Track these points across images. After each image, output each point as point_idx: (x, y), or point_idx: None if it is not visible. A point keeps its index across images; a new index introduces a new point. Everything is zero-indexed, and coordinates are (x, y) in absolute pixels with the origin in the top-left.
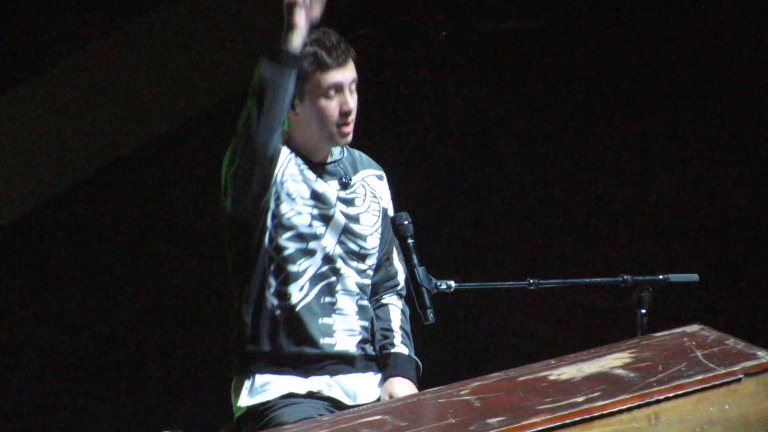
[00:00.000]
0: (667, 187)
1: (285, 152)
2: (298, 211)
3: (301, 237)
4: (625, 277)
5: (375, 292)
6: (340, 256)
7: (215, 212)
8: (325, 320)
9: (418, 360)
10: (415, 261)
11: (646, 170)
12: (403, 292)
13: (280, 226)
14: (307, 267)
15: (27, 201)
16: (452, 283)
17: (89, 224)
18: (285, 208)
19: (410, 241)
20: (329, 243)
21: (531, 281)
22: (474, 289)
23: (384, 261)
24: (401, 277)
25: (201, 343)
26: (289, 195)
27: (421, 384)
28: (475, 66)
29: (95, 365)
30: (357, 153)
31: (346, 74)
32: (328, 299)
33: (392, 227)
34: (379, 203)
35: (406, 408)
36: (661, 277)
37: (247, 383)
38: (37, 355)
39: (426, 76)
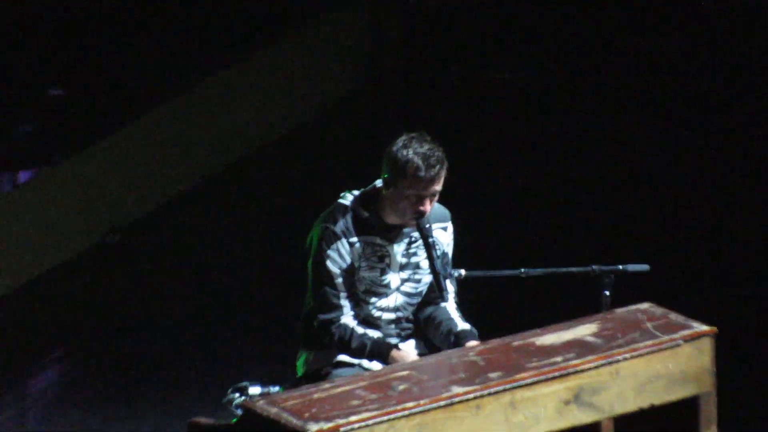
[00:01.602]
0: (629, 193)
1: (352, 250)
2: (370, 277)
3: (371, 287)
4: (593, 267)
5: (433, 299)
6: (399, 296)
7: None
8: (388, 332)
9: (476, 331)
10: (434, 254)
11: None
12: (451, 298)
13: (352, 294)
14: (376, 304)
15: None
16: (462, 271)
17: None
18: (359, 279)
19: (431, 239)
20: (392, 288)
21: (522, 270)
22: (480, 276)
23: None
24: (451, 292)
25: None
26: (365, 275)
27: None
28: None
29: None
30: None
31: (432, 188)
32: (385, 320)
33: (417, 229)
34: (440, 248)
35: (427, 366)
36: (620, 267)
37: (309, 355)
38: None
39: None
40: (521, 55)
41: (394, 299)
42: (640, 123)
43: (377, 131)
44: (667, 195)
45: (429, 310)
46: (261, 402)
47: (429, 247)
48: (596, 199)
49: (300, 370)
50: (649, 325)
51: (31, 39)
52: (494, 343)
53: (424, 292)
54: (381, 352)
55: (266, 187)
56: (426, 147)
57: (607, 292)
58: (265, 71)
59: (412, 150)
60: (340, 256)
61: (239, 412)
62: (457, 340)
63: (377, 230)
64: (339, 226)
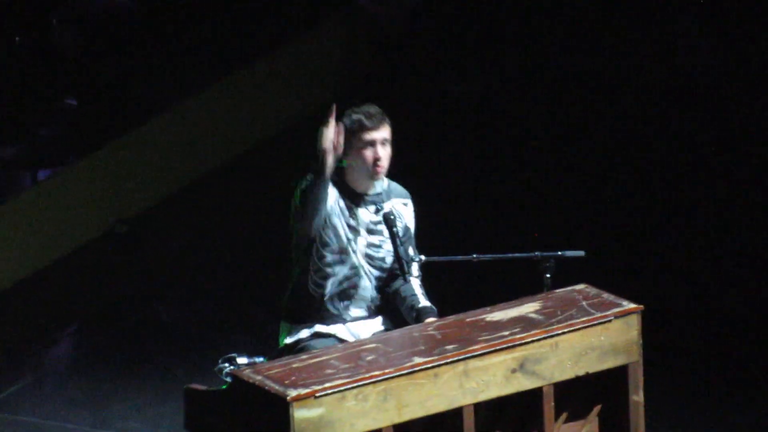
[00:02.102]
0: (568, 182)
1: (333, 194)
2: (337, 234)
3: (337, 250)
4: (536, 253)
5: (395, 276)
6: (363, 265)
7: None
8: (346, 303)
9: (435, 308)
10: (398, 241)
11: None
12: (416, 271)
13: (324, 243)
14: (339, 270)
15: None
16: (422, 257)
17: None
18: (329, 233)
19: (395, 229)
20: (359, 252)
21: (474, 256)
22: (437, 261)
23: (403, 257)
24: (415, 267)
25: None
26: (333, 225)
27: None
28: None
29: None
30: (393, 185)
31: (379, 134)
32: (351, 292)
33: (383, 220)
34: (402, 221)
35: (391, 339)
36: (559, 252)
37: (292, 332)
38: None
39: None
40: (474, 68)
41: (359, 260)
42: (574, 119)
43: None
44: (602, 188)
45: (396, 284)
46: (247, 371)
47: (393, 236)
48: (538, 193)
49: (282, 341)
50: (584, 303)
51: (49, 56)
52: (450, 319)
53: (387, 263)
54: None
55: (257, 184)
56: (363, 106)
57: (548, 275)
58: (250, 84)
59: (353, 113)
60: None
61: (229, 379)
62: (419, 315)
63: (346, 194)
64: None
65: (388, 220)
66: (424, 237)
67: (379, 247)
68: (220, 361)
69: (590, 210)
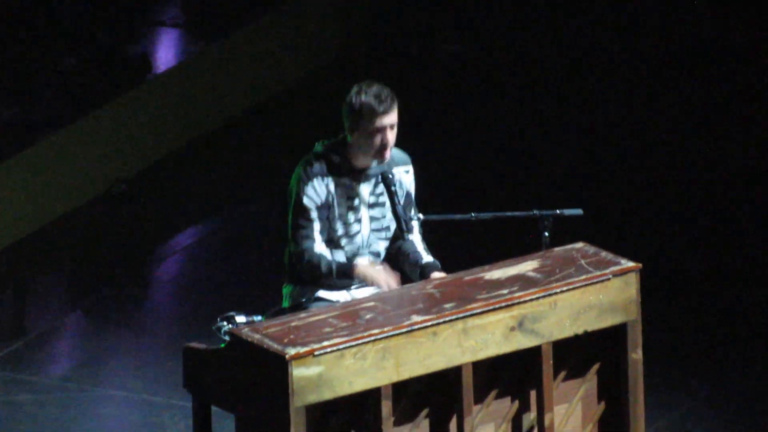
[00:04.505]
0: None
1: (330, 187)
2: (339, 222)
3: (341, 234)
4: (535, 211)
5: (397, 236)
6: (371, 234)
7: None
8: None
9: (438, 263)
10: (396, 200)
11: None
12: (417, 228)
13: (326, 231)
14: (349, 243)
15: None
16: (421, 216)
17: None
18: (328, 225)
19: (393, 188)
20: (364, 227)
21: (473, 214)
22: (436, 220)
23: (406, 220)
24: (415, 223)
25: None
26: (334, 217)
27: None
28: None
29: None
30: (393, 151)
31: (388, 119)
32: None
33: (382, 180)
34: (403, 189)
35: (390, 297)
36: (558, 211)
37: (293, 290)
38: None
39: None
40: (467, 30)
41: (366, 236)
42: (572, 79)
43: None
44: (600, 145)
45: (398, 243)
46: (246, 329)
47: (392, 195)
48: (537, 151)
49: (285, 302)
50: (583, 262)
51: (49, 18)
52: (449, 277)
53: (391, 230)
54: (345, 271)
55: (256, 144)
56: (375, 87)
57: (547, 234)
58: (250, 44)
59: (364, 94)
60: (315, 192)
61: (227, 338)
62: (423, 271)
63: (347, 172)
64: (315, 168)
65: (386, 180)
66: (422, 196)
67: (383, 218)
68: (218, 319)
69: (588, 168)
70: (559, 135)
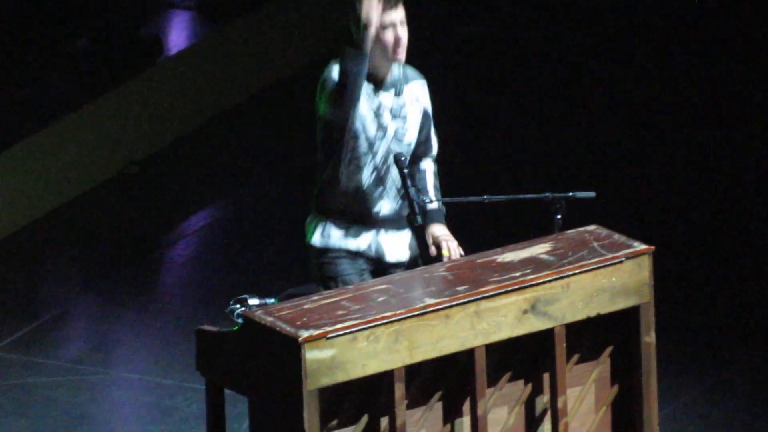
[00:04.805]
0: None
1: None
2: (365, 124)
3: (368, 139)
4: (547, 194)
5: (415, 157)
6: (391, 145)
7: None
8: (380, 190)
9: (444, 208)
10: (409, 183)
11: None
12: (435, 153)
13: (355, 134)
14: (371, 160)
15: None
16: (433, 199)
17: None
18: (357, 124)
19: (405, 170)
20: (387, 136)
21: (485, 197)
22: (449, 203)
23: (423, 140)
24: (435, 147)
25: None
26: (361, 114)
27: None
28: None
29: None
30: (407, 68)
31: (397, 15)
32: (384, 178)
33: (393, 161)
34: (420, 104)
35: (403, 280)
36: (570, 194)
37: (319, 227)
38: None
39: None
40: (484, 12)
41: (387, 148)
42: (585, 58)
43: None
44: (613, 128)
45: (410, 171)
46: (258, 312)
47: (404, 178)
48: (550, 134)
49: (310, 237)
50: (595, 244)
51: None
52: (461, 260)
53: (412, 149)
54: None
55: (266, 126)
56: None
57: (559, 216)
58: (262, 25)
59: None
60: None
61: (240, 321)
62: (426, 215)
63: (367, 80)
64: (332, 79)
65: (399, 162)
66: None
67: (404, 132)
68: (231, 302)
69: (601, 148)
70: (573, 116)
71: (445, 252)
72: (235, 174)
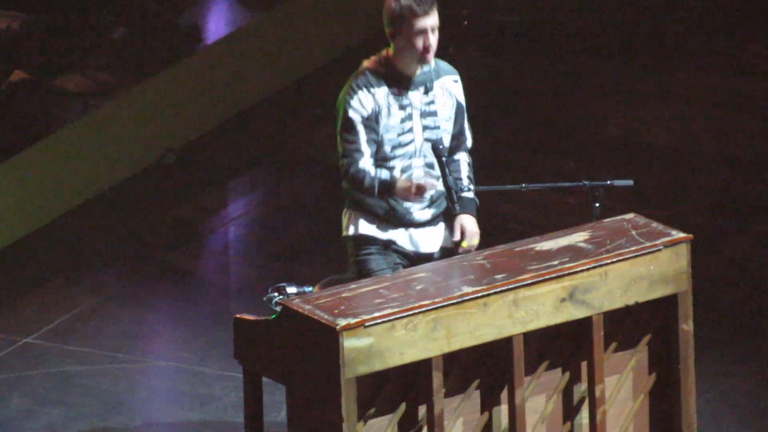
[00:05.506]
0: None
1: (383, 90)
2: (394, 130)
3: (393, 144)
4: (585, 182)
5: (451, 149)
6: (424, 143)
7: None
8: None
9: (477, 199)
10: (447, 171)
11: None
12: (470, 146)
13: (381, 143)
14: (402, 153)
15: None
16: (472, 187)
17: None
18: (384, 136)
19: (444, 158)
20: (417, 135)
21: (523, 185)
22: (487, 191)
23: (457, 134)
24: (469, 140)
25: None
26: (388, 126)
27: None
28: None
29: None
30: (440, 63)
31: (429, 21)
32: (415, 174)
33: (432, 149)
34: (452, 98)
35: (441, 268)
36: (608, 182)
37: (353, 220)
38: None
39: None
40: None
41: (419, 146)
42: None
43: None
44: (650, 116)
45: (445, 160)
46: (297, 300)
47: (443, 166)
48: (588, 123)
49: (344, 229)
50: (633, 233)
51: None
52: (499, 248)
53: (445, 144)
54: (387, 186)
55: (303, 115)
56: None
57: (597, 204)
58: (300, 13)
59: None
60: (361, 105)
61: (278, 309)
62: (457, 202)
63: (394, 82)
64: (360, 81)
65: (437, 150)
66: (474, 167)
67: (436, 128)
68: (269, 290)
69: (641, 139)
70: (611, 104)
71: (464, 244)
72: (275, 163)
